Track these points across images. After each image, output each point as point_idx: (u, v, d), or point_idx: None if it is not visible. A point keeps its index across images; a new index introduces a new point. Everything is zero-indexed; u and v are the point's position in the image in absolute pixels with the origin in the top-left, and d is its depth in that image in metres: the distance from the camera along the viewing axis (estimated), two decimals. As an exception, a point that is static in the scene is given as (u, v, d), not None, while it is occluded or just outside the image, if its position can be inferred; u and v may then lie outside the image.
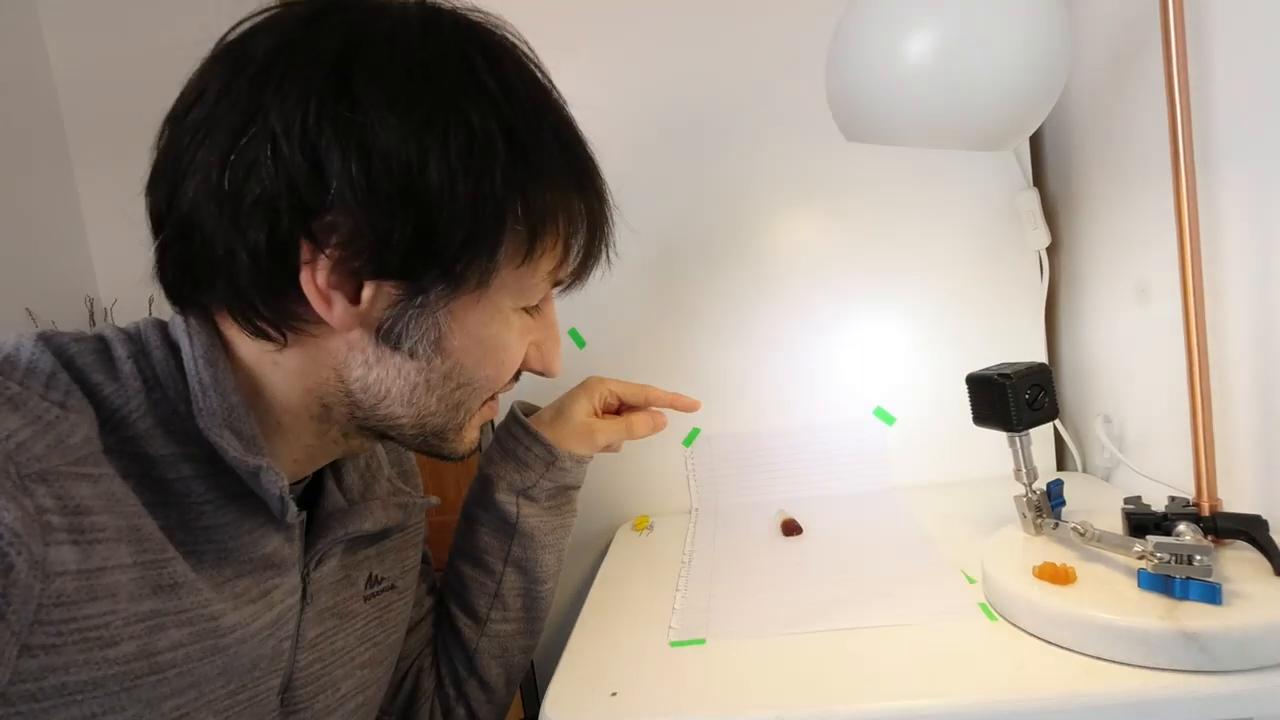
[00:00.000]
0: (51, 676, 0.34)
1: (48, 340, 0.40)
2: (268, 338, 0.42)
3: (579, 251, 0.47)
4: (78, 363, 0.40)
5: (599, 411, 0.68)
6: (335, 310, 0.41)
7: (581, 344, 0.88)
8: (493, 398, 0.51)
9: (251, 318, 0.41)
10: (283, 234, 0.39)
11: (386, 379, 0.45)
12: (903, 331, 0.85)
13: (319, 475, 0.53)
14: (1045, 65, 0.54)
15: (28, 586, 0.32)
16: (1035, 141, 0.86)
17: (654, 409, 0.69)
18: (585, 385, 0.68)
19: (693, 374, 0.87)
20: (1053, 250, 0.83)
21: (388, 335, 0.43)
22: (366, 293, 0.41)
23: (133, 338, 0.43)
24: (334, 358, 0.44)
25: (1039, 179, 0.85)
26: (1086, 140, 0.78)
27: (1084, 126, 0.78)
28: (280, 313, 0.41)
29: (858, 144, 0.60)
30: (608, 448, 0.67)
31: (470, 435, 0.51)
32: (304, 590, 0.49)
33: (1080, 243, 0.81)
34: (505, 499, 0.63)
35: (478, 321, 0.45)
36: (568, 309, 0.88)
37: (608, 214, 0.48)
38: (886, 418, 0.86)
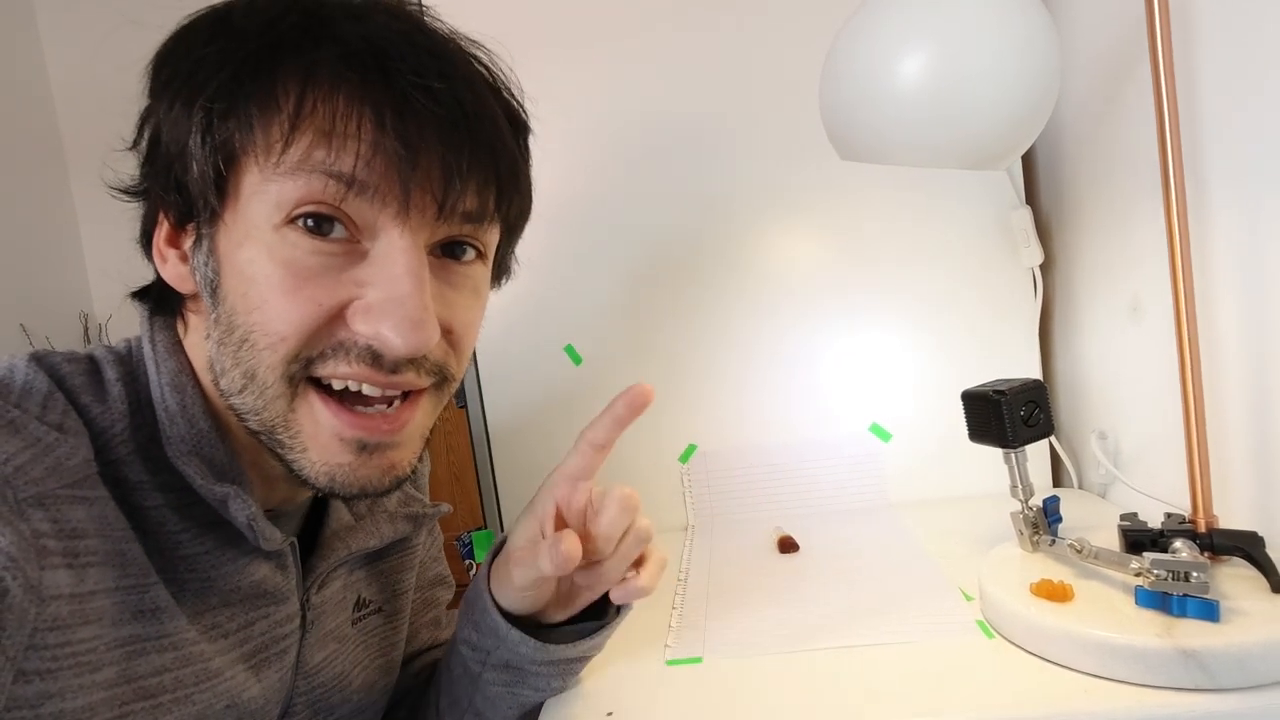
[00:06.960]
0: (49, 704, 0.33)
1: (40, 360, 0.39)
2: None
3: (331, 125, 0.36)
4: (69, 383, 0.39)
5: (547, 528, 0.48)
6: (168, 266, 0.42)
7: (578, 360, 0.88)
8: (326, 387, 0.39)
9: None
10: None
11: (210, 348, 0.40)
12: (898, 348, 0.86)
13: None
14: (1037, 85, 0.55)
15: (23, 611, 0.32)
16: (1028, 160, 0.87)
17: (559, 535, 0.44)
18: (535, 496, 0.50)
19: (689, 390, 0.87)
20: (1046, 267, 0.84)
21: (205, 295, 0.40)
22: (185, 243, 0.41)
23: (123, 359, 0.43)
24: (201, 340, 0.42)
25: (1031, 197, 0.86)
26: (1078, 158, 0.79)
27: (1076, 145, 0.79)
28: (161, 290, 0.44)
29: (852, 162, 0.61)
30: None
31: (317, 452, 0.39)
32: (303, 617, 0.47)
33: (1073, 260, 0.82)
34: (468, 656, 0.51)
35: (231, 245, 0.38)
36: (563, 327, 0.89)
37: (345, 71, 0.37)
38: (882, 434, 0.86)
